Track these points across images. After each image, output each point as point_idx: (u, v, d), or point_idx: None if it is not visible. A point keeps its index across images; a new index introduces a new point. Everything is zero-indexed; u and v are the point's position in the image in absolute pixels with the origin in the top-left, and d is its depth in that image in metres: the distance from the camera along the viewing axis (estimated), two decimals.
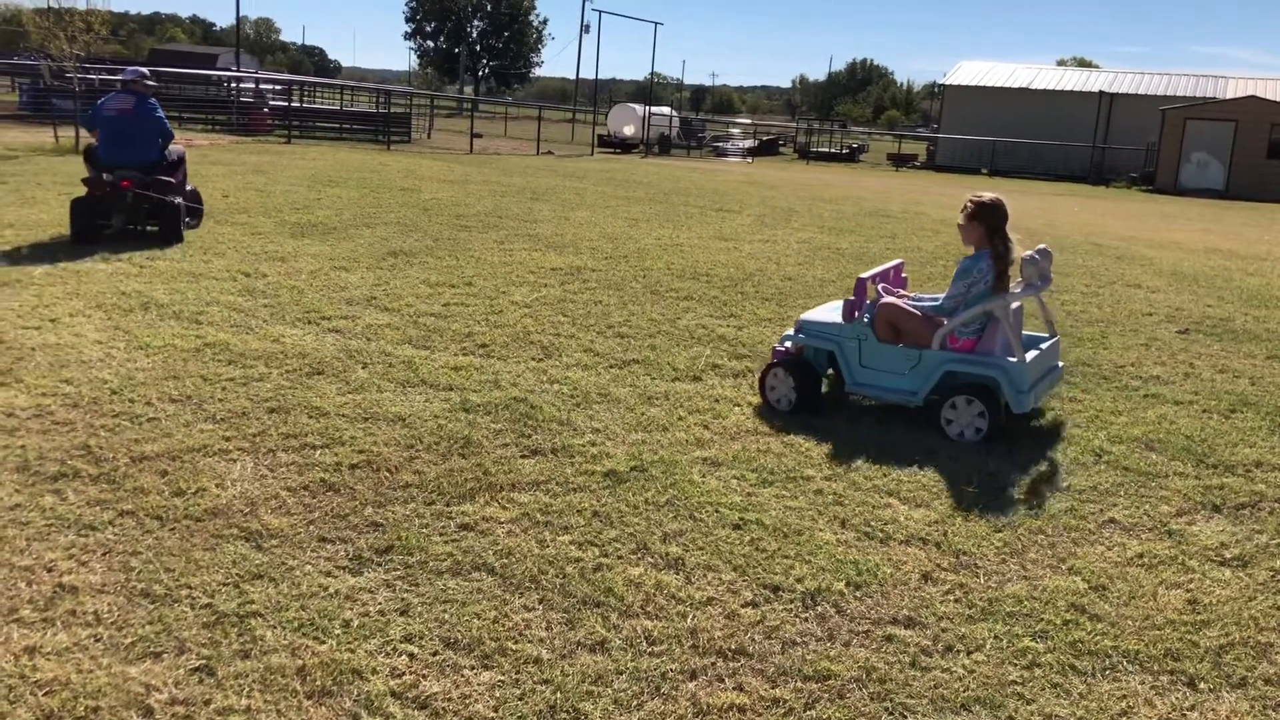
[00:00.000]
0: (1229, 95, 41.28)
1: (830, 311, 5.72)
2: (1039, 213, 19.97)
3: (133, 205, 9.34)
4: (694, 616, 3.29)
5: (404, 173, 17.44)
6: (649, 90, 51.03)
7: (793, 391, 5.38)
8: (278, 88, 30.55)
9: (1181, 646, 3.25)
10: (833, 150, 51.45)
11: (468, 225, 11.17)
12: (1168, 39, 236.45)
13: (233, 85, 29.05)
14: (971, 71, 49.47)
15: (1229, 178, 35.43)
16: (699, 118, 68.32)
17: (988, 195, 5.30)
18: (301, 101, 31.88)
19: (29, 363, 5.47)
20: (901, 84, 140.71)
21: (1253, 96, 37.41)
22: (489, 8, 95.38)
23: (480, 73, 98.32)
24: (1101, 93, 44.48)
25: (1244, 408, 5.76)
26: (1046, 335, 5.61)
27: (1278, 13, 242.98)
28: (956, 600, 3.48)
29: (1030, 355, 5.18)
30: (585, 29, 69.16)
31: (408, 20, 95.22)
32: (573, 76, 68.38)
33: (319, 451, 4.52)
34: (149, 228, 9.46)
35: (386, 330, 6.59)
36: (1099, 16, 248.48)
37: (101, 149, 9.65)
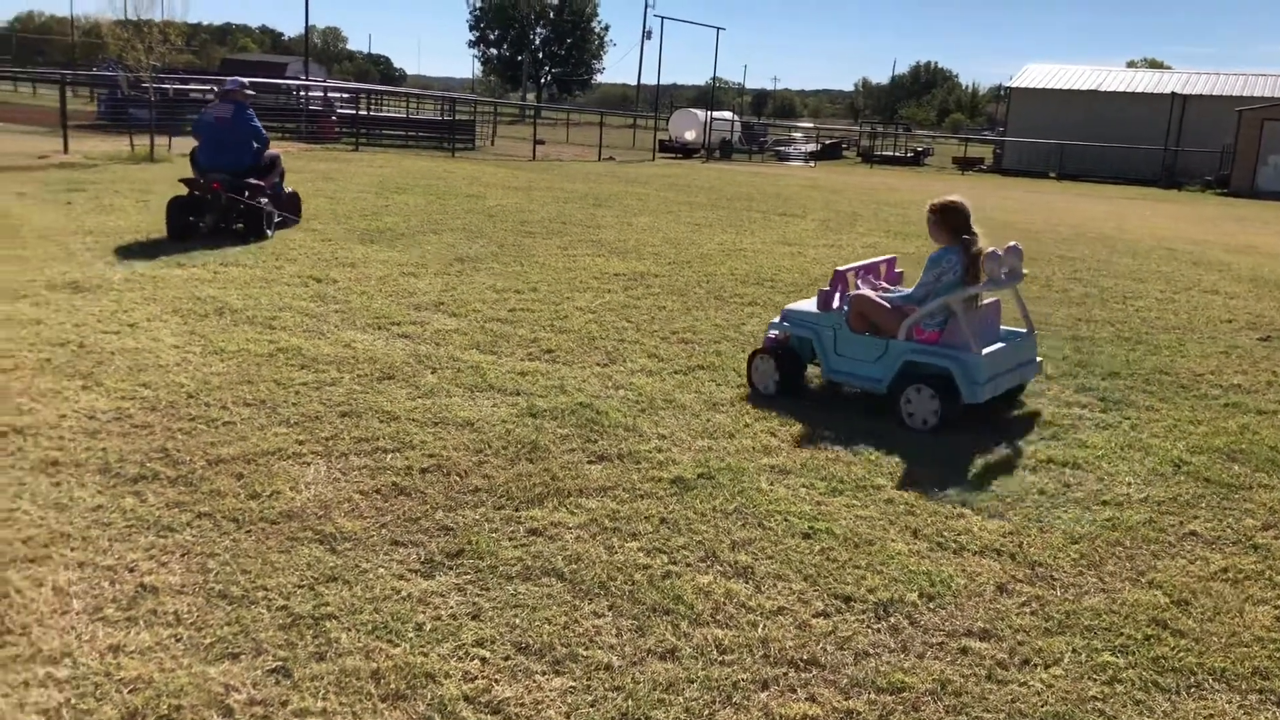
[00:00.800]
0: None
1: (813, 302, 5.97)
2: (1107, 217, 19.60)
3: (224, 206, 9.93)
4: (765, 626, 3.27)
5: (468, 179, 17.61)
6: (710, 95, 50.96)
7: (775, 374, 5.73)
8: (345, 96, 31.02)
9: (1271, 665, 3.15)
10: (897, 154, 50.97)
11: (532, 231, 11.25)
12: (1240, 40, 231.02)
13: (301, 94, 29.55)
14: (1039, 74, 48.73)
15: None
16: (760, 122, 68.09)
17: (949, 198, 5.68)
18: (368, 109, 32.37)
19: (109, 367, 5.61)
20: (966, 87, 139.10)
21: None
22: (552, 15, 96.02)
23: (543, 79, 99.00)
24: (1174, 94, 43.54)
25: None
26: (1022, 330, 5.82)
27: None
28: (1033, 613, 3.42)
29: (994, 349, 5.43)
30: (647, 35, 69.43)
31: (472, 28, 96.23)
32: (634, 82, 68.46)
33: (390, 455, 4.57)
34: (235, 226, 10.03)
35: (454, 335, 6.65)
36: (1169, 18, 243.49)
37: (200, 153, 10.40)
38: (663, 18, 73.04)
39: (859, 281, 5.96)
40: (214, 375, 5.59)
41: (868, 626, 3.29)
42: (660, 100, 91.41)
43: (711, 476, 4.45)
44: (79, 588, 3.34)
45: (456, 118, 31.63)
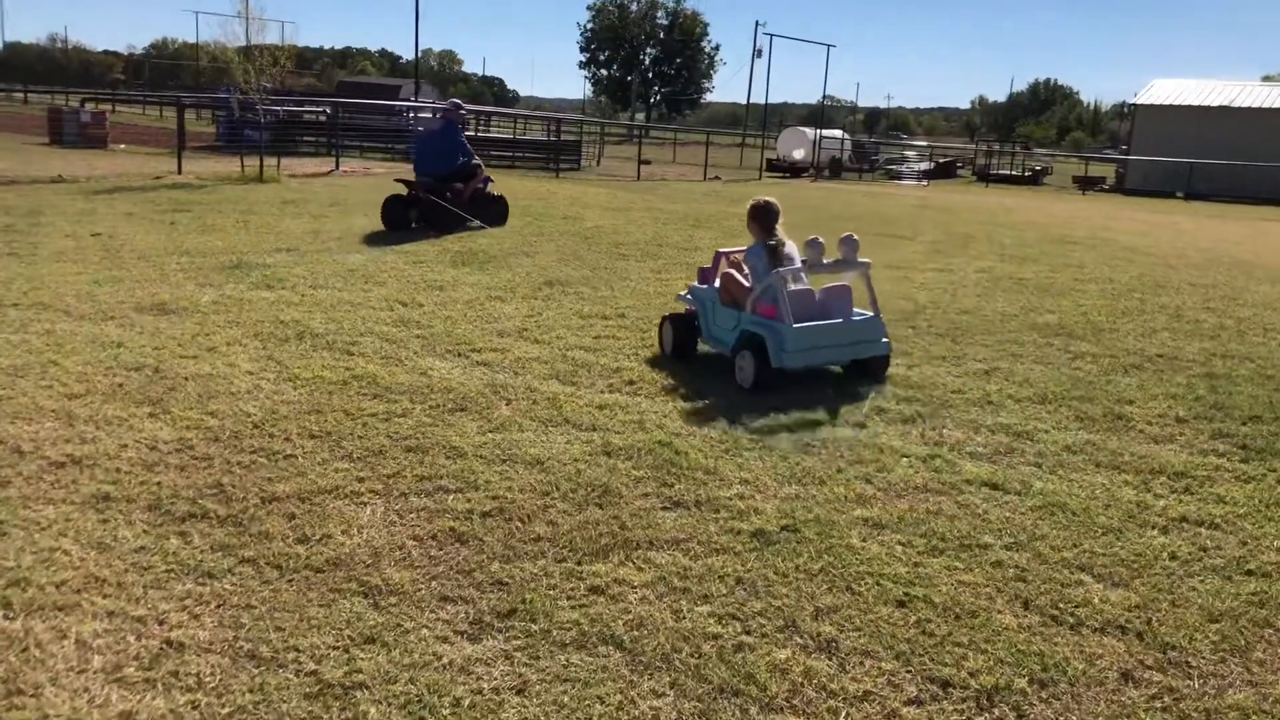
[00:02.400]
0: None
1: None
2: (1242, 240, 18.45)
3: (425, 204, 12.06)
4: (847, 714, 2.85)
5: (569, 200, 17.45)
6: (820, 113, 50.29)
7: (671, 339, 6.73)
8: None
9: None
10: (1013, 173, 49.46)
11: (626, 254, 10.95)
12: None
13: (410, 115, 29.96)
14: (1165, 90, 46.76)
15: None
16: (871, 140, 66.97)
17: (761, 199, 6.78)
18: (475, 130, 32.62)
19: (179, 393, 5.46)
20: (1088, 104, 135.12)
21: None
22: (662, 35, 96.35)
23: (652, 99, 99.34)
24: None
25: None
26: (867, 314, 6.55)
27: None
28: (1164, 708, 2.93)
29: (811, 324, 6.25)
30: (757, 54, 69.02)
31: (582, 50, 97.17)
32: (743, 101, 68.04)
33: (452, 496, 4.28)
34: (425, 220, 12.07)
35: (534, 364, 6.36)
36: None
37: (416, 160, 12.93)
38: (772, 35, 72.54)
39: (727, 260, 6.90)
40: (284, 404, 5.39)
41: (967, 719, 2.85)
42: (770, 119, 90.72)
43: (797, 529, 4.04)
44: (103, 641, 3.11)
45: (562, 138, 31.66)
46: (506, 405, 5.55)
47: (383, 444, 4.87)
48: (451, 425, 5.18)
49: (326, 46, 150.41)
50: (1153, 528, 4.15)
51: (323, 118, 28.10)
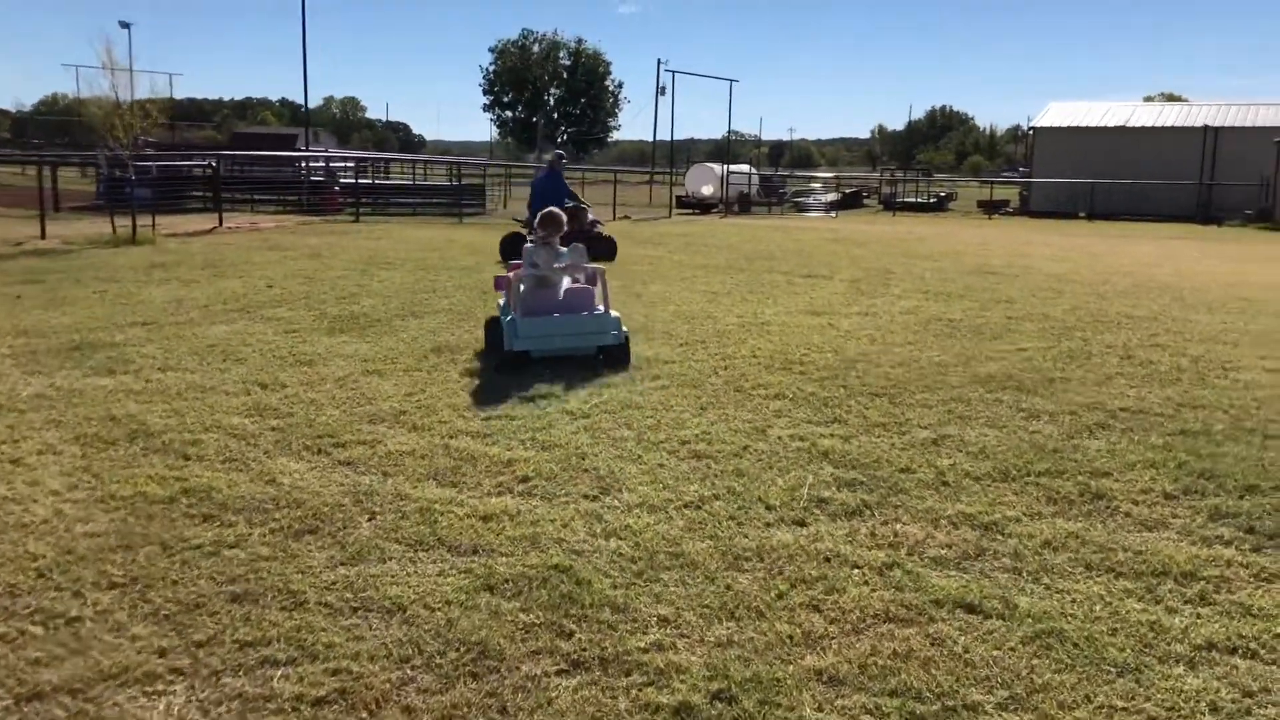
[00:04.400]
0: None
1: None
2: (1158, 261, 18.17)
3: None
4: None
5: (469, 249, 16.44)
6: (726, 148, 49.99)
7: (486, 339, 7.91)
8: (348, 165, 30.10)
9: None
10: (919, 200, 49.71)
11: None
12: (1262, 70, 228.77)
13: (303, 165, 28.68)
14: (1062, 112, 47.51)
15: None
16: (778, 174, 67.09)
17: (547, 210, 8.24)
18: (373, 178, 31.44)
19: None
20: (984, 129, 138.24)
21: None
22: (565, 76, 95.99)
23: (559, 139, 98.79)
24: (1206, 127, 42.16)
25: None
26: (599, 310, 7.70)
27: None
28: None
29: (541, 318, 7.52)
30: (661, 91, 68.87)
31: (486, 92, 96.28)
32: (650, 138, 67.75)
33: (280, 673, 3.25)
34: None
35: (410, 460, 5.34)
36: (1185, 52, 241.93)
37: (531, 203, 15.04)
38: (674, 72, 72.21)
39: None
40: (85, 538, 4.30)
41: None
42: (677, 155, 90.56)
43: (733, 698, 3.09)
44: None
45: (464, 182, 30.64)
46: (369, 521, 4.53)
47: (202, 592, 3.81)
48: (295, 557, 4.13)
49: (226, 98, 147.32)
50: (1177, 661, 3.28)
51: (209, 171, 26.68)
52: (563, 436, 5.73)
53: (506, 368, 7.26)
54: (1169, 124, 44.34)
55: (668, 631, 3.51)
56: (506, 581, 3.89)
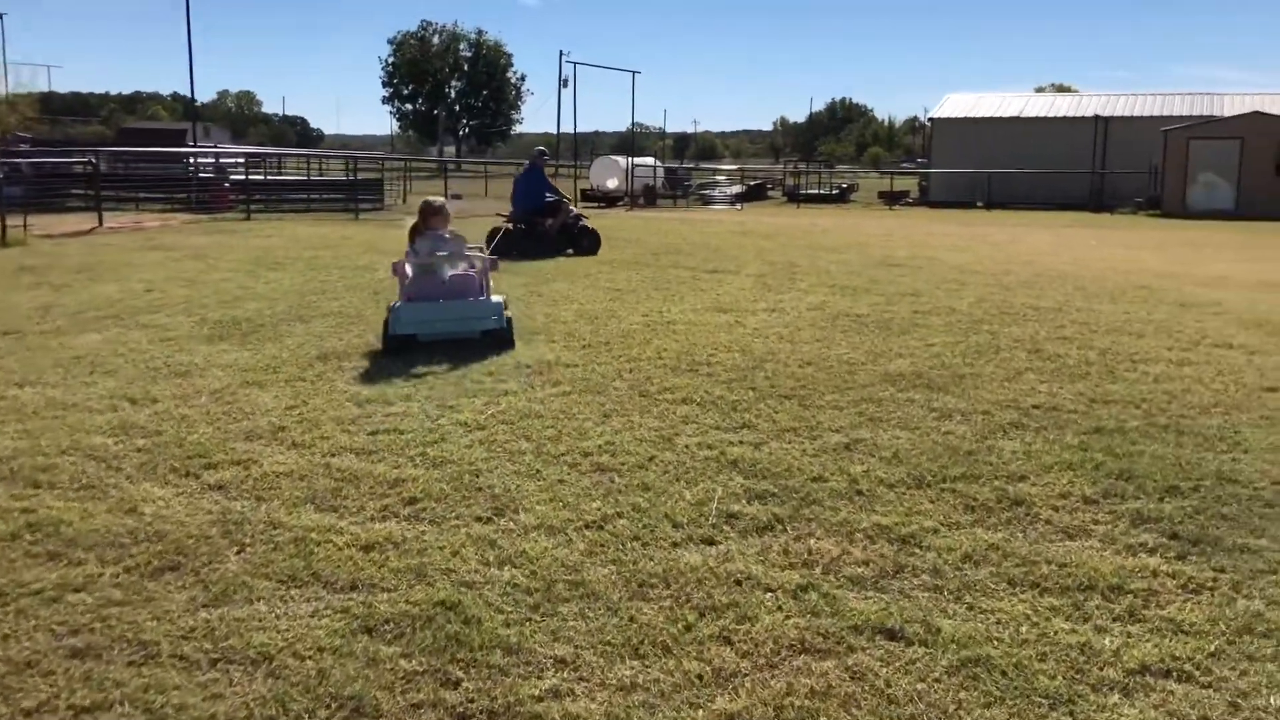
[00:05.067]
0: (1227, 113, 40.02)
1: None
2: (1055, 250, 18.41)
3: (518, 235, 14.46)
4: None
5: (364, 247, 15.85)
6: (630, 140, 49.75)
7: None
8: (239, 161, 29.02)
9: None
10: (822, 191, 50.14)
11: None
12: (1147, 61, 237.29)
13: (191, 162, 27.55)
14: (959, 104, 48.34)
15: (1238, 197, 34.03)
16: (683, 166, 67.11)
17: (425, 199, 8.91)
18: (265, 174, 30.39)
19: None
20: (883, 121, 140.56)
21: (1256, 113, 36.09)
22: (466, 68, 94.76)
23: (461, 132, 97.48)
24: (1097, 116, 43.28)
25: None
26: (481, 299, 8.15)
27: (1255, 32, 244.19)
28: None
29: (422, 303, 7.97)
30: (564, 83, 68.31)
31: (385, 84, 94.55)
32: (555, 131, 67.01)
33: None
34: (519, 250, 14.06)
35: (287, 482, 4.91)
36: (1075, 43, 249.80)
37: (513, 200, 15.86)
38: (575, 63, 71.53)
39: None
40: None
41: None
42: (582, 148, 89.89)
43: None
44: None
45: (359, 176, 29.80)
46: (238, 554, 4.11)
47: (38, 648, 3.37)
48: (150, 600, 3.70)
49: (113, 92, 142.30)
50: (1111, 689, 3.06)
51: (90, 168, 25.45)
52: (455, 451, 5.35)
53: (392, 351, 7.68)
54: (1061, 114, 45.41)
55: (565, 675, 3.19)
56: (387, 622, 3.52)
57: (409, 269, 8.20)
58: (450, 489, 4.81)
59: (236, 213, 24.30)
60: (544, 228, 15.13)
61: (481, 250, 9.05)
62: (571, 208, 15.49)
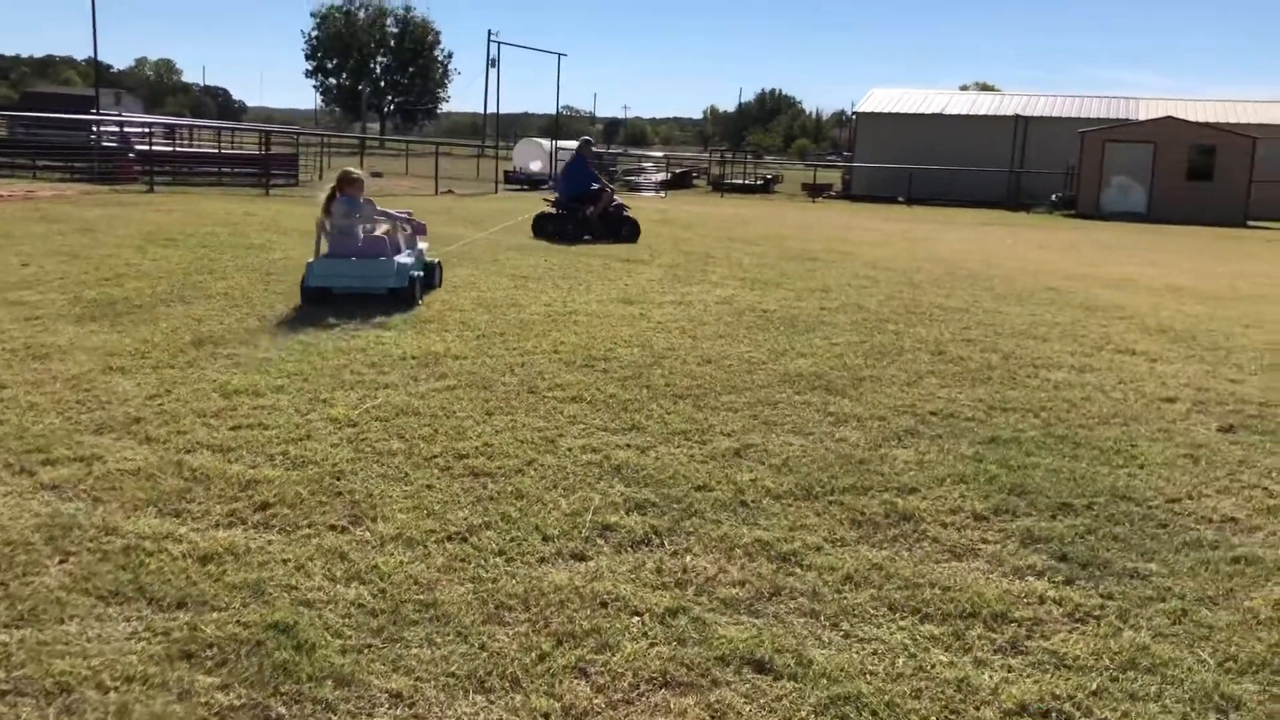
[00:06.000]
0: (1141, 116, 40.87)
1: None
2: (970, 248, 18.52)
3: (563, 218, 15.42)
4: None
5: (266, 225, 15.25)
6: (556, 123, 49.22)
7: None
8: (145, 130, 27.91)
9: None
10: (747, 182, 50.13)
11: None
12: (1063, 64, 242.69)
13: (95, 130, 26.44)
14: (884, 98, 48.69)
15: (1150, 200, 34.76)
16: (610, 151, 66.63)
17: (342, 170, 9.52)
18: (175, 145, 29.31)
19: None
20: (810, 113, 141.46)
21: (1169, 117, 36.92)
22: (392, 44, 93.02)
23: (386, 109, 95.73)
24: (1017, 116, 43.89)
25: None
26: (383, 258, 8.80)
27: (1166, 36, 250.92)
28: None
29: (332, 259, 8.81)
30: (492, 63, 67.42)
31: (308, 57, 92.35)
32: (484, 111, 66.00)
33: None
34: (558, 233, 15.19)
35: (131, 482, 4.52)
36: (996, 43, 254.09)
37: (559, 185, 16.72)
38: (500, 43, 70.58)
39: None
40: None
41: None
42: (511, 129, 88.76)
43: None
44: None
45: (272, 150, 28.90)
46: (59, 565, 3.73)
47: None
48: None
49: (24, 54, 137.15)
50: None
51: None
52: (320, 450, 5.00)
53: (306, 301, 8.56)
54: (982, 112, 46.01)
55: (399, 713, 2.89)
56: (211, 647, 3.18)
57: (327, 228, 9.02)
58: (307, 493, 4.47)
59: (140, 185, 23.37)
60: (585, 214, 15.39)
61: (407, 214, 9.65)
62: (615, 197, 15.85)
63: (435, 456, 4.98)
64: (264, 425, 5.36)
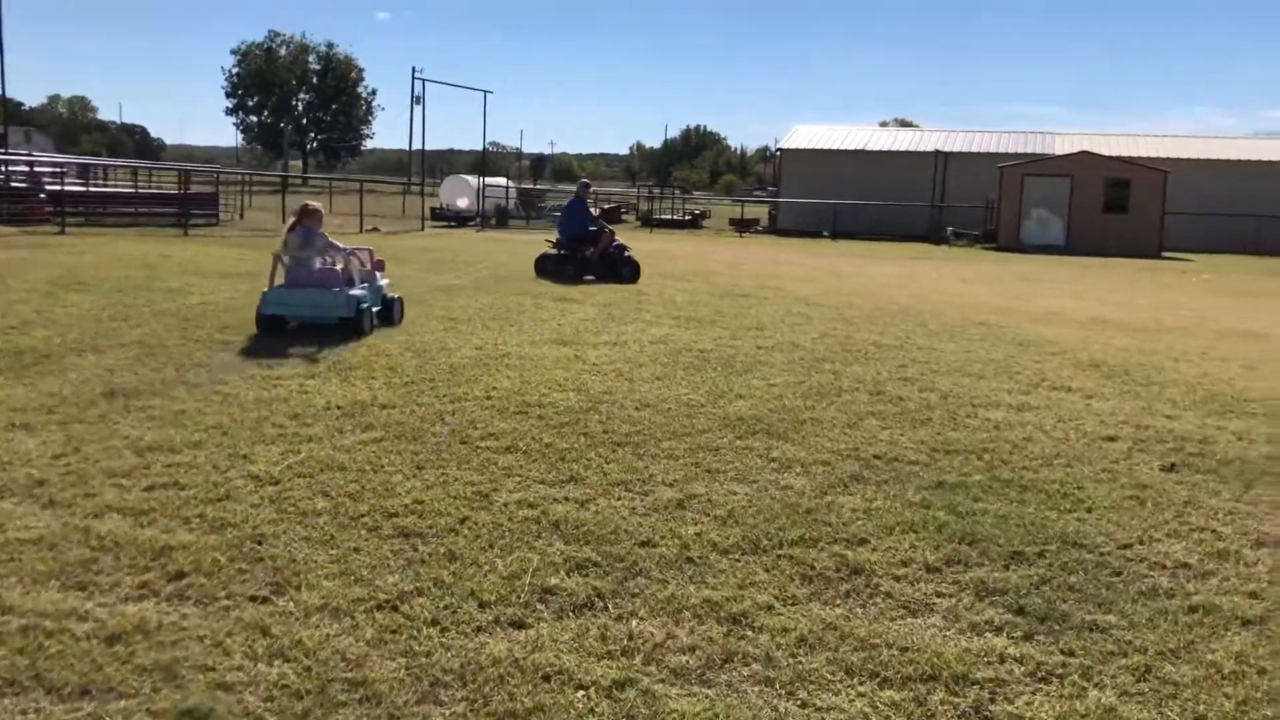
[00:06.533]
0: (1058, 151, 41.94)
1: None
2: (898, 282, 18.69)
3: (563, 258, 15.84)
4: None
5: (184, 267, 14.79)
6: (482, 160, 48.96)
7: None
8: (57, 170, 27.07)
9: None
10: (676, 217, 50.36)
11: (230, 341, 8.73)
12: (982, 100, 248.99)
13: (2, 170, 25.57)
14: (807, 135, 49.40)
15: (1068, 233, 35.57)
16: (537, 187, 66.54)
17: (304, 201, 10.21)
18: (88, 184, 28.48)
19: None
20: (735, 149, 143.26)
21: (1085, 152, 37.92)
22: (315, 80, 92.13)
23: (309, 147, 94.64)
24: (937, 152, 44.78)
25: None
26: (337, 289, 9.27)
27: (1071, 71, 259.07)
28: None
29: (285, 289, 9.36)
30: (417, 100, 66.94)
31: (229, 95, 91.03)
32: (409, 148, 65.45)
33: None
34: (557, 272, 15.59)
35: (32, 552, 4.20)
36: (914, 80, 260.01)
37: (559, 225, 16.58)
38: (425, 80, 69.93)
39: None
40: None
41: None
42: (437, 166, 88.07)
43: None
44: None
45: (191, 189, 28.24)
46: None
47: None
48: None
49: None
50: None
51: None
52: (240, 512, 4.71)
53: (261, 330, 9.06)
54: (903, 148, 46.89)
55: None
56: None
57: (284, 259, 9.56)
58: (226, 559, 4.18)
59: (51, 226, 22.61)
60: (585, 254, 15.78)
61: (368, 251, 10.24)
62: (615, 238, 16.12)
63: (363, 516, 4.72)
64: (180, 485, 5.05)
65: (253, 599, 3.86)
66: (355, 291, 9.30)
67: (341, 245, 9.86)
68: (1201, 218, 38.53)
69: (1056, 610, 3.86)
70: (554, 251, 16.00)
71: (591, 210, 16.71)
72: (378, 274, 10.07)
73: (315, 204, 10.03)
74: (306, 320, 9.21)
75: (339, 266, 9.57)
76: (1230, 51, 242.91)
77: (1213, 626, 3.77)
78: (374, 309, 9.56)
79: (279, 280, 9.51)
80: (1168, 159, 40.80)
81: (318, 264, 9.51)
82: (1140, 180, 35.47)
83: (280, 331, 9.00)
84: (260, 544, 4.36)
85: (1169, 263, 30.87)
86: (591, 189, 18.70)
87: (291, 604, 3.82)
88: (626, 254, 15.99)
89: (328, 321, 9.12)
